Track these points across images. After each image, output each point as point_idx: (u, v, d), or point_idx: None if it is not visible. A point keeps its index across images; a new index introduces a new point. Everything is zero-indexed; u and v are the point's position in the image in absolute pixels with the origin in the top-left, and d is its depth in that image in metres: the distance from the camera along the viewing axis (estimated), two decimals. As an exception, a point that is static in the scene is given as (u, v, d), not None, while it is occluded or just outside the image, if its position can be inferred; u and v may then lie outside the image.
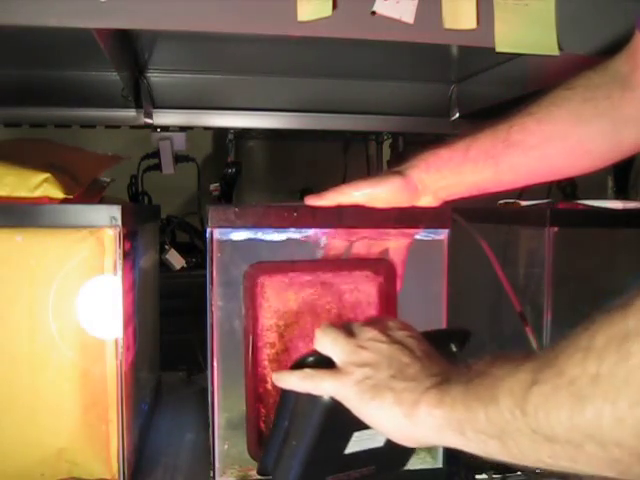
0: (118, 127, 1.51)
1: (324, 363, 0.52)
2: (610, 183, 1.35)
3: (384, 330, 0.53)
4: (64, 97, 1.31)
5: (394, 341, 0.52)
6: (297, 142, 2.12)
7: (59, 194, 0.68)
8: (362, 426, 0.50)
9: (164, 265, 1.20)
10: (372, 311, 0.71)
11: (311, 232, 0.68)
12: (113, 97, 1.25)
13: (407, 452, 0.58)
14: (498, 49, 0.82)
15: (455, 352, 0.58)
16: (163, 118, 1.38)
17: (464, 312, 0.81)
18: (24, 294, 0.64)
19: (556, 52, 0.84)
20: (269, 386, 0.69)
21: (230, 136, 2.02)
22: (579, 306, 0.88)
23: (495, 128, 0.68)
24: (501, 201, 0.92)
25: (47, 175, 0.69)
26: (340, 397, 0.50)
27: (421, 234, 0.71)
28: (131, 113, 1.36)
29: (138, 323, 0.78)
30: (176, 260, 1.22)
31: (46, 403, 0.64)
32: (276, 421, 0.55)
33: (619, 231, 0.91)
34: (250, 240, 0.67)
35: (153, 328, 1.00)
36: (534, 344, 0.78)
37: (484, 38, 0.82)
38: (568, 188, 1.38)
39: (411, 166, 0.69)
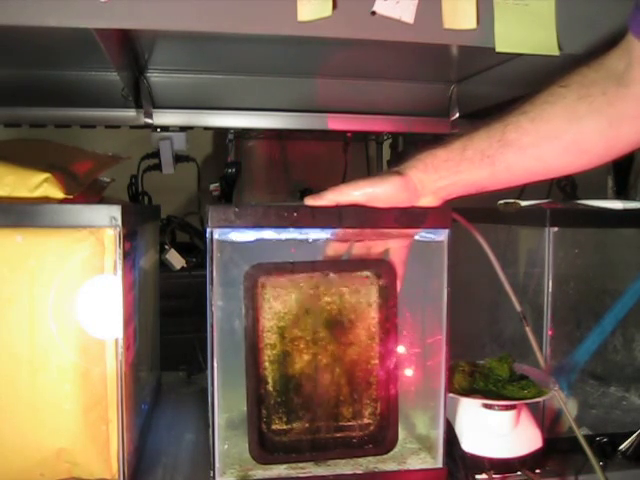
0: (118, 127, 1.51)
1: None
2: (610, 183, 1.35)
3: None
4: (64, 97, 1.31)
5: None
6: (297, 142, 2.12)
7: (59, 194, 0.68)
8: None
9: (164, 265, 1.19)
10: (372, 312, 0.71)
11: (311, 232, 0.68)
12: (113, 97, 1.25)
13: None
14: (498, 49, 0.82)
15: None
16: (163, 118, 1.38)
17: (464, 312, 0.81)
18: (24, 294, 0.64)
19: (556, 52, 0.84)
20: (270, 387, 0.69)
21: (230, 136, 2.02)
22: (579, 306, 0.88)
23: (490, 127, 0.68)
24: (501, 201, 0.92)
25: (47, 175, 0.69)
26: None
27: (421, 234, 0.71)
28: (131, 113, 1.36)
29: (138, 323, 0.78)
30: (176, 260, 1.22)
31: (46, 403, 0.64)
32: None
33: (619, 231, 0.91)
34: (250, 240, 0.67)
35: (153, 328, 1.00)
36: (534, 344, 0.78)
37: (484, 38, 0.82)
38: (568, 188, 1.38)
39: (410, 166, 0.69)
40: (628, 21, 0.63)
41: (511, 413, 0.76)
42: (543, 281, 0.84)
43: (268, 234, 0.67)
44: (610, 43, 0.66)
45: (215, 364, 0.65)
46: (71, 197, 0.69)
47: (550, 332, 0.83)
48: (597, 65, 0.66)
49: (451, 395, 0.75)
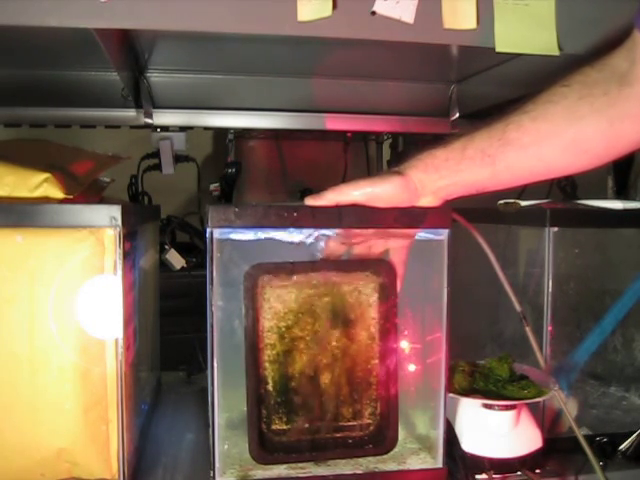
0: (118, 127, 1.51)
1: None
2: (610, 183, 1.35)
3: None
4: (64, 97, 1.31)
5: None
6: (297, 142, 2.11)
7: (59, 194, 0.68)
8: None
9: (164, 265, 1.20)
10: (372, 312, 0.71)
11: (311, 232, 0.68)
12: (113, 97, 1.25)
13: None
14: (498, 49, 0.82)
15: None
16: (163, 118, 1.38)
17: (464, 312, 0.81)
18: (24, 294, 0.64)
19: (556, 52, 0.83)
20: (270, 387, 0.69)
21: (230, 136, 2.02)
22: (579, 306, 0.88)
23: (491, 126, 0.68)
24: (501, 201, 0.92)
25: (47, 175, 0.69)
26: None
27: (421, 234, 0.71)
28: (131, 113, 1.36)
29: (138, 323, 0.78)
30: (176, 260, 1.22)
31: (46, 403, 0.64)
32: None
33: (619, 231, 0.91)
34: (250, 240, 0.67)
35: (153, 328, 1.00)
36: (534, 344, 0.78)
37: (484, 38, 0.82)
38: (568, 188, 1.38)
39: (410, 166, 0.69)
40: (635, 19, 0.63)
41: (511, 413, 0.76)
42: (543, 281, 0.84)
43: (268, 234, 0.67)
44: (611, 43, 0.66)
45: (215, 364, 0.65)
46: (71, 197, 0.69)
47: (550, 332, 0.83)
48: (600, 65, 0.66)
49: (451, 395, 0.75)
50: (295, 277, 0.68)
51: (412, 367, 0.77)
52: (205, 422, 0.68)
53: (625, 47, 0.65)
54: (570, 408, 0.82)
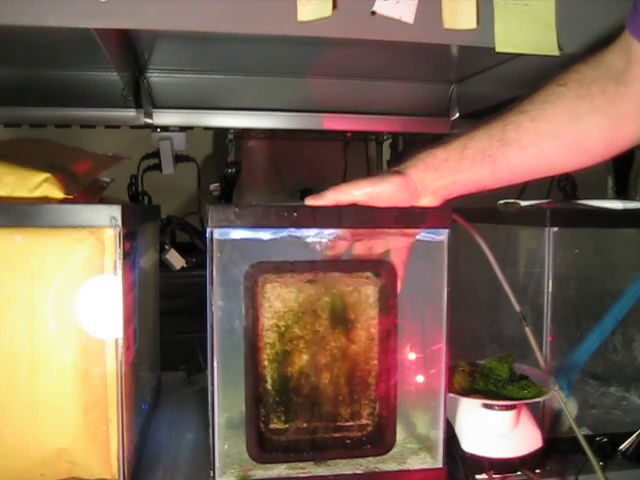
0: (118, 127, 1.51)
1: None
2: (610, 183, 1.35)
3: None
4: (64, 97, 1.31)
5: None
6: (297, 142, 2.12)
7: (59, 194, 0.68)
8: None
9: (164, 265, 1.19)
10: (372, 312, 0.71)
11: (311, 232, 0.68)
12: (113, 97, 1.25)
13: None
14: (498, 49, 0.82)
15: None
16: (163, 118, 1.38)
17: (464, 312, 0.81)
18: (24, 294, 0.64)
19: (556, 52, 0.83)
20: (269, 386, 0.69)
21: (230, 136, 2.02)
22: (579, 306, 0.88)
23: (490, 126, 0.68)
24: (501, 201, 0.92)
25: (47, 175, 0.69)
26: None
27: (421, 234, 0.71)
28: (131, 113, 1.36)
29: (138, 323, 0.78)
30: (176, 260, 1.22)
31: (46, 403, 0.64)
32: None
33: (619, 231, 0.91)
34: (250, 240, 0.67)
35: (153, 328, 1.00)
36: (534, 344, 0.78)
37: (484, 38, 0.82)
38: (568, 188, 1.38)
39: (410, 166, 0.69)
40: (626, 21, 0.63)
41: (511, 413, 0.76)
42: (543, 281, 0.84)
43: (268, 234, 0.67)
44: (610, 43, 0.66)
45: (215, 364, 0.65)
46: (71, 197, 0.69)
47: (550, 332, 0.83)
48: (595, 63, 0.66)
49: (451, 395, 0.75)
50: (295, 277, 0.68)
51: (412, 367, 0.77)
52: (205, 422, 0.68)
53: (619, 45, 0.65)
54: (570, 408, 0.82)
